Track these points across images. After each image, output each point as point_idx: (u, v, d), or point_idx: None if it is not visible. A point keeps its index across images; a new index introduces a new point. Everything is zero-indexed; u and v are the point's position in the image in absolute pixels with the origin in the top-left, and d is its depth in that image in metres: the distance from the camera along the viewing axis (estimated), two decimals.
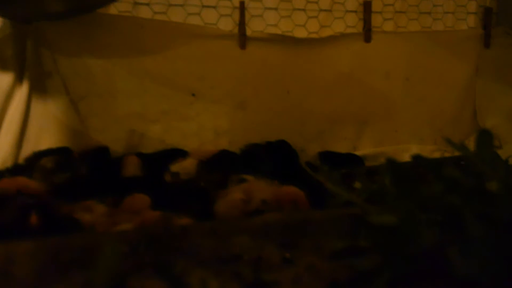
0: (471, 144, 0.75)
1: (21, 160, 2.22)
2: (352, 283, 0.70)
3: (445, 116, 3.01)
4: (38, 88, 2.31)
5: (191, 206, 1.67)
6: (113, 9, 2.40)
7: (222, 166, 2.10)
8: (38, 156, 2.12)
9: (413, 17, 2.93)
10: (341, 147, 2.74)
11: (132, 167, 2.18)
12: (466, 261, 0.64)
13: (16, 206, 1.33)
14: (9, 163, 2.19)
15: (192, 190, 1.93)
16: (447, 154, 2.70)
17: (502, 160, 0.79)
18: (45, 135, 2.30)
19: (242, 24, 2.57)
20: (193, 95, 2.55)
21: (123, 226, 1.43)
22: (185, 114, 2.54)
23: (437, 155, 2.79)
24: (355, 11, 2.80)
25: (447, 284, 0.66)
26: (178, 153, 2.28)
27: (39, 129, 2.30)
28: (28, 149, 2.24)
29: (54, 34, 2.32)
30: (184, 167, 2.11)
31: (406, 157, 2.57)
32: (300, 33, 2.71)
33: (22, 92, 2.27)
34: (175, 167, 2.11)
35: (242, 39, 2.57)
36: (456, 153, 0.77)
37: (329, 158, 2.54)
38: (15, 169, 2.10)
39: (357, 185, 0.79)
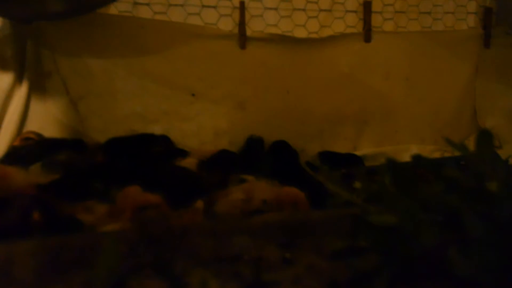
0: (471, 144, 0.75)
1: None
2: (352, 283, 0.70)
3: (445, 116, 3.01)
4: (38, 88, 2.32)
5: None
6: (113, 9, 2.40)
7: (222, 166, 2.10)
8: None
9: (413, 17, 2.93)
10: (341, 147, 2.74)
11: None
12: (466, 261, 0.64)
13: (17, 207, 1.33)
14: None
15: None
16: (447, 154, 2.70)
17: (502, 160, 0.79)
18: (45, 134, 2.30)
19: (242, 24, 2.57)
20: (193, 95, 2.55)
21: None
22: (185, 114, 2.54)
23: (437, 155, 2.79)
24: (355, 11, 2.80)
25: (447, 284, 0.66)
26: (178, 153, 2.27)
27: (39, 129, 2.30)
28: None
29: (54, 34, 2.33)
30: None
31: (406, 157, 2.57)
32: (300, 33, 2.71)
33: (22, 92, 2.27)
34: None
35: (242, 39, 2.57)
36: (456, 153, 0.77)
37: (329, 158, 2.54)
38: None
39: (357, 185, 0.79)
